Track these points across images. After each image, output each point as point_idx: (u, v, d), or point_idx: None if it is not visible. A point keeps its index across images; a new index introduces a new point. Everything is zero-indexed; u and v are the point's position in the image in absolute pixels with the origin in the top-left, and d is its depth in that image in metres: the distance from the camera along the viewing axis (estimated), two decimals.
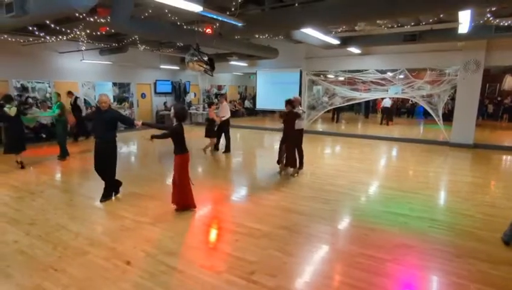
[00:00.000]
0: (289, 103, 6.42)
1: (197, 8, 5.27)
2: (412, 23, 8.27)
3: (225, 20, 6.58)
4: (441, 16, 7.33)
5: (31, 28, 7.87)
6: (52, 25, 7.52)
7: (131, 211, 4.64)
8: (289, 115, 6.38)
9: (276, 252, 3.51)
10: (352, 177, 6.54)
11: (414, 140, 11.13)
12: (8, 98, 6.91)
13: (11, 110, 6.74)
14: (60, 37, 8.89)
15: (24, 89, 10.76)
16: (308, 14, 6.48)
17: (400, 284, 3.02)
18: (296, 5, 6.53)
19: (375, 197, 5.50)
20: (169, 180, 6.46)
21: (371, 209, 4.89)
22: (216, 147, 8.96)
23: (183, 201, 4.63)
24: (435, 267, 3.26)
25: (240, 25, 6.92)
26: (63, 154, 7.91)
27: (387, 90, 12.22)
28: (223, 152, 8.90)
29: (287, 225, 4.21)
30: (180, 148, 4.51)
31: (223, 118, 8.68)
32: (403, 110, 20.26)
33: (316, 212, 4.67)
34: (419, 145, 10.46)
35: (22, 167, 7.02)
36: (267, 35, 9.73)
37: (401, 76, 11.60)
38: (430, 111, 11.18)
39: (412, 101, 17.16)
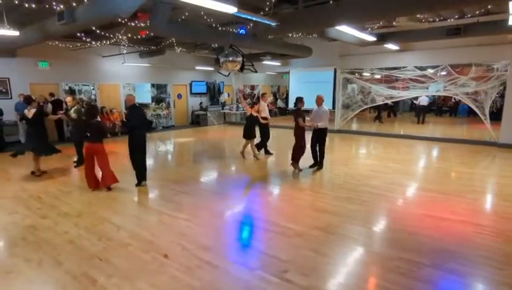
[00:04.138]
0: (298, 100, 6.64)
1: (232, 10, 5.36)
2: (456, 16, 7.81)
3: (259, 20, 6.63)
4: (489, 7, 6.85)
5: (78, 34, 8.45)
6: (97, 31, 8.01)
7: (168, 207, 4.83)
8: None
9: (310, 252, 3.49)
10: (389, 178, 6.31)
11: (457, 140, 10.48)
12: (28, 99, 6.56)
13: (30, 111, 6.36)
14: (104, 41, 9.47)
15: (72, 91, 11.56)
16: (343, 11, 6.35)
17: None
18: (331, 2, 6.43)
19: (414, 200, 5.26)
20: (204, 178, 6.67)
21: (408, 211, 4.69)
22: (266, 150, 8.48)
23: (111, 179, 5.64)
24: (482, 275, 3.07)
25: (274, 24, 6.94)
26: (81, 161, 6.98)
27: (427, 88, 11.62)
28: (262, 152, 8.46)
29: (321, 225, 4.16)
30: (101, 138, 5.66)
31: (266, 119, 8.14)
32: (444, 108, 19.15)
33: (351, 214, 4.57)
34: (463, 145, 9.84)
35: (38, 175, 6.51)
36: (300, 33, 9.66)
37: (443, 72, 10.96)
38: (476, 109, 10.46)
39: (455, 99, 16.18)
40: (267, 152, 8.53)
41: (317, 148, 6.93)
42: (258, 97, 9.13)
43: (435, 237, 3.84)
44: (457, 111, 18.35)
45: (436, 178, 6.41)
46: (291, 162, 6.87)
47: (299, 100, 6.59)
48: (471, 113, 14.89)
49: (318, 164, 6.98)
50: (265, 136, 8.38)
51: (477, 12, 7.34)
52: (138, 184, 5.85)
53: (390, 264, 3.22)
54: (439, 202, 4.99)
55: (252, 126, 7.86)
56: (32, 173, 6.64)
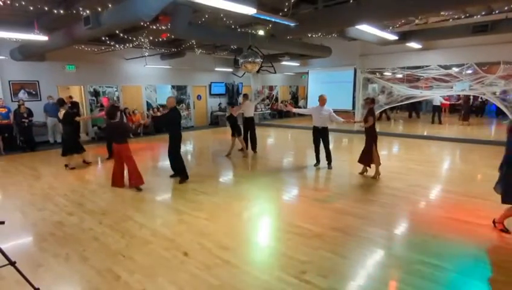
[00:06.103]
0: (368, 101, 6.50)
1: (251, 11, 5.39)
2: (483, 13, 7.52)
3: (278, 21, 6.63)
4: None
5: (103, 38, 8.75)
6: (121, 34, 8.27)
7: (189, 206, 4.93)
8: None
9: (328, 253, 3.47)
10: (411, 180, 6.16)
11: (483, 141, 10.08)
12: (60, 102, 7.29)
13: (60, 113, 7.15)
14: (127, 44, 9.75)
15: (96, 93, 11.98)
16: (363, 10, 6.25)
17: None
18: (351, 1, 6.34)
19: (437, 202, 5.11)
20: (223, 178, 6.74)
21: (431, 214, 4.56)
22: (253, 148, 9.04)
23: (136, 179, 5.73)
24: (509, 283, 2.95)
25: (293, 25, 6.93)
26: (111, 156, 8.01)
27: (451, 87, 11.24)
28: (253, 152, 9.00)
29: (340, 226, 4.13)
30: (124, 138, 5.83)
31: (244, 115, 8.89)
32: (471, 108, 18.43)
33: (371, 215, 4.50)
34: (490, 147, 9.45)
35: (72, 168, 7.29)
36: (320, 34, 9.59)
37: (469, 71, 10.56)
38: (505, 109, 10.02)
39: (482, 98, 15.55)
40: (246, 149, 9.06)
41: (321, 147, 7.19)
42: (245, 95, 9.71)
43: (459, 241, 3.72)
44: (484, 111, 17.65)
45: (461, 180, 6.20)
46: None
47: (370, 100, 6.41)
48: (499, 113, 14.26)
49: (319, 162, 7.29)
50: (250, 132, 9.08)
51: (506, 8, 7.04)
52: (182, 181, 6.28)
53: (411, 268, 3.15)
54: (463, 205, 4.84)
55: (235, 124, 8.53)
56: (66, 166, 7.38)
